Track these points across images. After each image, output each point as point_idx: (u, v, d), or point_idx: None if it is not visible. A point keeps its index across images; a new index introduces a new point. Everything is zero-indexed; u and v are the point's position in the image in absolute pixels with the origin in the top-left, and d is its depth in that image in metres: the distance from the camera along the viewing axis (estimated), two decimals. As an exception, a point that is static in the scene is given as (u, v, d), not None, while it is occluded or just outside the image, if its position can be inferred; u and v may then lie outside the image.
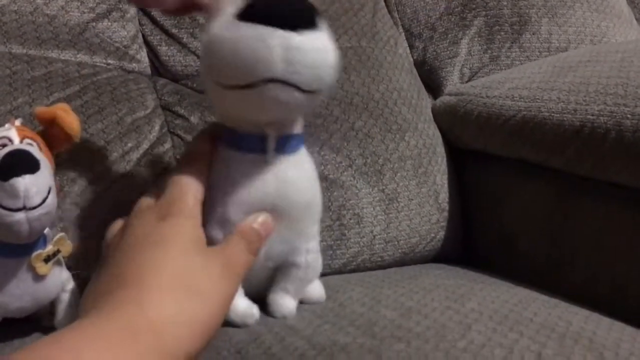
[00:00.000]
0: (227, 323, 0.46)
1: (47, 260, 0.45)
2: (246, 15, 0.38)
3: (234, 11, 0.40)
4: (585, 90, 0.61)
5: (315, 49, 0.39)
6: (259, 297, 0.49)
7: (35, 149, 0.43)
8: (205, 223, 0.44)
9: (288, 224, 0.45)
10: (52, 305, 0.48)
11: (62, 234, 0.46)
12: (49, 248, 0.45)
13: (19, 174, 0.40)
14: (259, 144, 0.44)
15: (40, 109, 0.47)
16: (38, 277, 0.45)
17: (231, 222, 0.44)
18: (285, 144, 0.45)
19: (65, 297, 0.48)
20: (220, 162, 0.45)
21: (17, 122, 0.46)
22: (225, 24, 0.40)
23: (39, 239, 0.44)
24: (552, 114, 0.62)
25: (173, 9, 0.45)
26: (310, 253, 0.48)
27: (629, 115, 0.55)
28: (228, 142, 0.45)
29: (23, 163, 0.41)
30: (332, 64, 0.41)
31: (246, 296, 0.47)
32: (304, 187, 0.46)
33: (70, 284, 0.48)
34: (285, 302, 0.48)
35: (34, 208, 0.40)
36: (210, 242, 0.44)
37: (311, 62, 0.39)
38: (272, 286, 0.49)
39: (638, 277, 0.57)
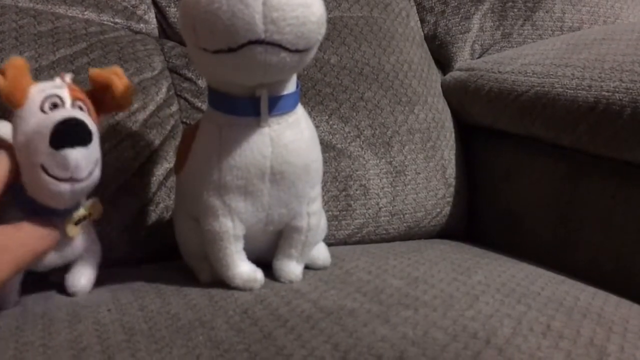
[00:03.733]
0: (232, 288, 0.45)
1: (77, 222, 0.44)
2: None
3: None
4: (600, 67, 0.60)
5: (297, 5, 0.37)
6: (264, 262, 0.49)
7: (87, 116, 0.42)
8: (202, 190, 0.43)
9: (287, 186, 0.44)
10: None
11: (95, 198, 0.46)
12: (81, 211, 0.45)
13: (72, 144, 0.39)
14: (251, 107, 0.42)
15: (95, 72, 0.45)
16: (66, 238, 0.44)
17: (228, 187, 0.43)
18: (278, 105, 0.43)
19: (87, 257, 0.47)
20: (212, 127, 0.44)
21: (68, 78, 0.44)
22: None
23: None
24: (566, 90, 0.61)
25: None
26: (312, 216, 0.47)
27: (645, 93, 0.54)
28: (219, 106, 0.44)
29: (77, 134, 0.40)
30: (318, 19, 0.38)
31: (250, 261, 0.47)
32: (302, 149, 0.44)
33: (96, 245, 0.48)
34: (290, 268, 0.48)
35: (81, 180, 0.40)
36: (208, 210, 0.43)
37: (294, 19, 0.37)
38: (276, 252, 0.48)
39: (645, 257, 0.57)
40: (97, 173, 0.42)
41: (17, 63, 0.41)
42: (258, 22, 0.36)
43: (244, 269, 0.45)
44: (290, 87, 0.44)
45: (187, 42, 0.41)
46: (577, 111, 0.60)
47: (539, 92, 0.64)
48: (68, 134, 0.40)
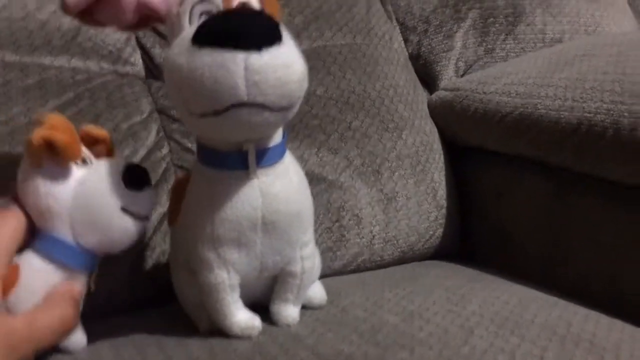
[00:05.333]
0: (231, 336, 0.46)
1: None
2: (203, 39, 0.37)
3: (190, 31, 0.38)
4: (582, 87, 0.61)
5: (279, 67, 0.37)
6: (262, 304, 0.50)
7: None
8: (196, 243, 0.44)
9: (279, 235, 0.45)
10: None
11: None
12: None
13: (150, 185, 0.46)
14: (239, 161, 0.43)
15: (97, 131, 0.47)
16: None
17: (221, 240, 0.44)
18: (266, 157, 0.44)
19: None
20: (203, 181, 0.45)
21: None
22: (184, 49, 0.38)
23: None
24: (549, 111, 0.62)
25: (131, 24, 0.44)
26: (305, 260, 0.48)
27: (625, 114, 0.55)
28: (208, 161, 0.44)
29: (147, 175, 0.46)
30: (299, 78, 0.39)
31: (247, 307, 0.47)
32: (292, 198, 0.45)
33: None
34: (287, 312, 0.48)
35: (147, 217, 0.46)
36: (203, 263, 0.44)
37: (276, 81, 0.37)
38: (273, 297, 0.49)
39: (634, 274, 0.58)
40: None
41: (60, 119, 0.43)
42: (241, 86, 0.37)
43: (242, 317, 0.46)
44: (277, 138, 0.45)
45: (174, 105, 0.42)
46: (561, 132, 0.61)
47: (523, 113, 0.65)
48: (143, 176, 0.45)
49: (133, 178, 0.44)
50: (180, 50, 0.38)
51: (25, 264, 0.42)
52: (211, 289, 0.45)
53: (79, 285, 0.44)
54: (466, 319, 0.49)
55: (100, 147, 0.47)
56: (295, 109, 0.41)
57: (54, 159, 0.42)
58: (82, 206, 0.43)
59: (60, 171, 0.43)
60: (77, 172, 0.43)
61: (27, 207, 0.43)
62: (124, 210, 0.43)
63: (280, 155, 0.45)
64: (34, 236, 0.44)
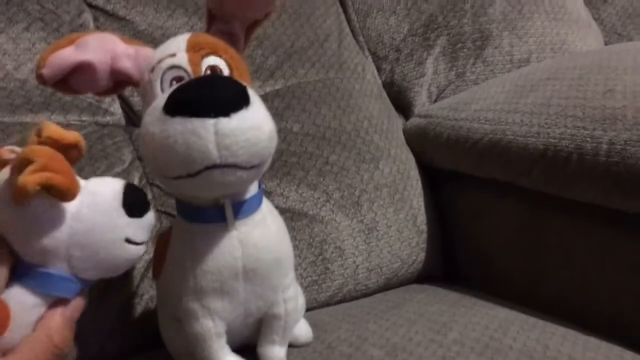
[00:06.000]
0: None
1: None
2: (173, 109, 0.39)
3: (162, 100, 0.40)
4: (546, 113, 0.64)
5: (248, 129, 0.39)
6: (248, 347, 0.51)
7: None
8: (180, 295, 0.45)
9: (261, 281, 0.47)
10: None
11: None
12: None
13: (149, 207, 0.43)
14: (217, 215, 0.44)
15: (64, 133, 0.40)
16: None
17: (205, 291, 0.45)
18: (243, 209, 0.45)
19: None
20: (184, 235, 0.46)
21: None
22: (156, 118, 0.40)
23: None
24: (517, 137, 0.64)
25: (106, 90, 0.46)
26: (288, 302, 0.50)
27: (588, 139, 0.58)
28: (187, 216, 0.46)
29: (146, 197, 0.43)
30: (269, 137, 0.41)
31: (233, 350, 0.49)
32: (271, 245, 0.47)
33: None
34: (274, 353, 0.50)
35: (144, 243, 0.43)
36: (188, 314, 0.46)
37: (246, 142, 0.39)
38: (259, 339, 0.50)
39: (608, 290, 0.60)
40: None
41: (51, 154, 0.38)
42: (212, 150, 0.39)
43: (230, 363, 0.48)
44: (253, 189, 0.46)
45: (149, 169, 0.44)
46: (529, 158, 0.63)
47: (493, 139, 0.67)
48: (142, 199, 0.42)
49: (135, 205, 0.41)
50: (152, 119, 0.40)
51: (16, 302, 0.39)
52: (198, 337, 0.47)
53: (70, 310, 0.41)
54: (447, 349, 0.51)
55: (73, 153, 0.41)
56: (267, 164, 0.43)
57: (46, 197, 0.37)
58: (82, 244, 0.39)
59: (52, 208, 0.39)
60: (70, 205, 0.39)
61: (14, 245, 0.40)
62: (128, 241, 0.41)
63: (257, 205, 0.47)
64: (15, 268, 0.40)
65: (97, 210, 0.40)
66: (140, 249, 0.42)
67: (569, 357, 0.49)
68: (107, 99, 0.70)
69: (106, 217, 0.40)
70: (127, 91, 0.72)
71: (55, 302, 0.41)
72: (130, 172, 0.65)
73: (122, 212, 0.40)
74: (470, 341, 0.52)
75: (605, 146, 0.56)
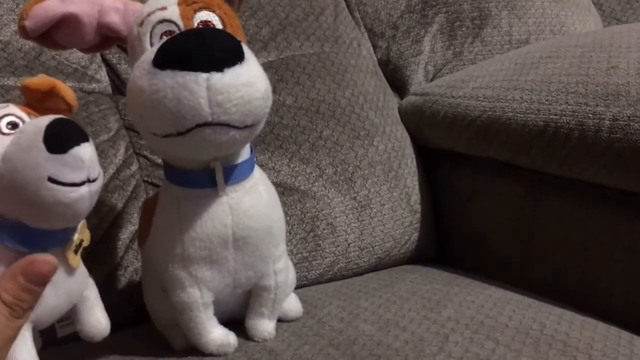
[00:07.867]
0: (207, 354, 0.46)
1: (75, 250, 0.40)
2: (164, 61, 0.37)
3: (151, 53, 0.38)
4: (547, 89, 0.62)
5: (241, 86, 0.37)
6: (237, 319, 0.49)
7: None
8: (167, 263, 0.43)
9: (251, 250, 0.45)
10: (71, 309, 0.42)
11: (83, 220, 0.41)
12: (76, 236, 0.40)
13: (78, 142, 0.35)
14: (207, 179, 0.43)
15: (36, 81, 0.39)
16: (69, 270, 0.40)
17: (192, 259, 0.43)
18: (234, 174, 0.43)
19: (91, 293, 0.43)
20: (171, 200, 0.44)
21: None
22: (145, 71, 0.37)
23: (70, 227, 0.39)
24: (516, 114, 0.63)
25: (92, 45, 0.43)
26: (279, 274, 0.48)
27: (590, 115, 0.56)
28: (175, 180, 0.44)
29: (76, 131, 0.36)
30: (263, 95, 0.39)
31: (221, 323, 0.47)
32: (262, 213, 0.45)
33: (91, 280, 0.44)
34: (263, 327, 0.48)
35: (95, 180, 0.37)
36: (175, 282, 0.44)
37: (239, 100, 0.37)
38: (248, 312, 0.49)
39: (605, 271, 0.59)
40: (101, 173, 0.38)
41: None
42: (204, 107, 0.37)
43: (217, 335, 0.46)
44: (245, 154, 0.44)
45: (137, 127, 0.42)
46: (529, 135, 0.61)
47: (491, 116, 0.66)
48: (69, 133, 0.36)
49: (56, 139, 0.35)
50: (141, 72, 0.38)
51: None
52: (184, 307, 0.45)
53: (40, 264, 0.36)
54: (442, 326, 0.50)
55: (60, 105, 0.39)
56: (261, 126, 0.41)
57: None
58: (10, 186, 0.36)
59: None
60: (1, 144, 0.36)
61: None
62: (52, 180, 0.35)
63: (249, 171, 0.45)
64: None
65: (19, 149, 0.36)
66: (71, 191, 0.36)
67: (567, 336, 0.48)
68: (94, 66, 0.68)
69: (26, 153, 0.35)
70: (115, 58, 0.69)
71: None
72: (116, 141, 0.63)
73: (42, 147, 0.35)
74: (465, 319, 0.51)
75: (607, 122, 0.54)
